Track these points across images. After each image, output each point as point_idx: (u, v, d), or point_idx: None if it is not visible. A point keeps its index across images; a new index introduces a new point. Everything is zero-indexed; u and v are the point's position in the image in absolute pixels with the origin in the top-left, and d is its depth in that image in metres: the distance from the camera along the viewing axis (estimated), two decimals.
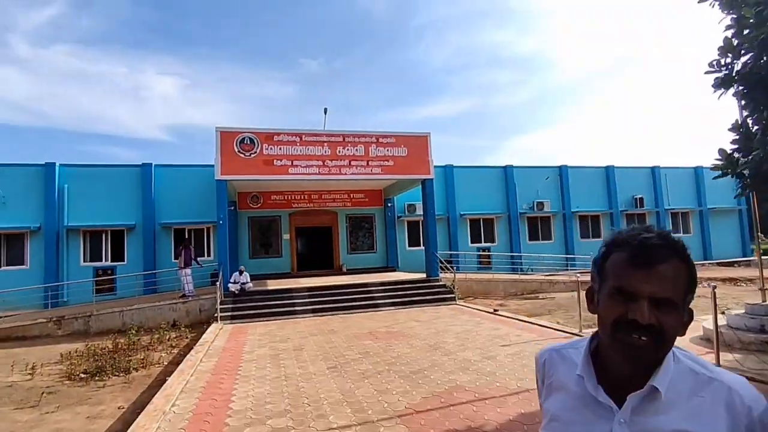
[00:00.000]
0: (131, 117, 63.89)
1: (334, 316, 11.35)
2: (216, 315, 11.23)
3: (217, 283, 11.85)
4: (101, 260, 16.32)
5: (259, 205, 17.77)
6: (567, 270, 18.44)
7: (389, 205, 19.09)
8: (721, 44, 4.75)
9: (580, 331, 7.84)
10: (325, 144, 13.61)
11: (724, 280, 16.37)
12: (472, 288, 14.75)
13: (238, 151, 12.84)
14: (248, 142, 12.92)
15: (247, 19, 79.73)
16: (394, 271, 18.01)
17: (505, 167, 21.14)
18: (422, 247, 17.71)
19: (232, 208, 16.67)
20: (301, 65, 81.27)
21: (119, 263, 16.40)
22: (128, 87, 65.30)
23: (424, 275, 14.77)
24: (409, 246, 19.52)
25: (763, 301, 6.74)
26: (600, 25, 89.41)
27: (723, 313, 9.00)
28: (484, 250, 20.13)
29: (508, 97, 79.90)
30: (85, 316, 11.50)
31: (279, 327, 10.19)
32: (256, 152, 12.97)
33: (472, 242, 20.27)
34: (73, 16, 70.90)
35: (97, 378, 7.00)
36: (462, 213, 20.08)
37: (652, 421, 0.86)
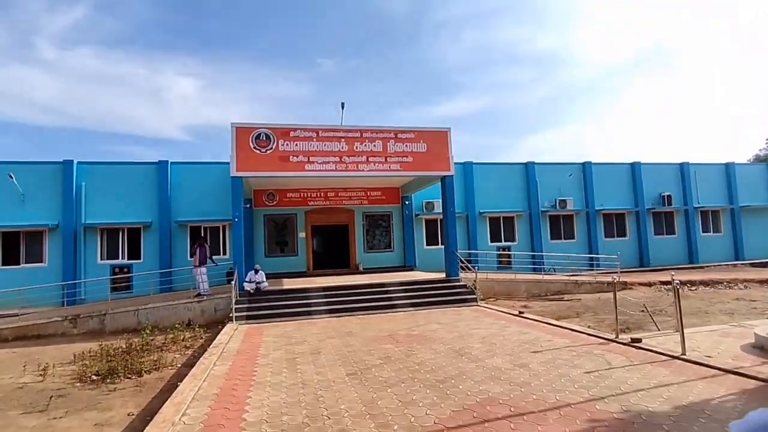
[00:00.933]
0: (152, 117, 64.70)
1: (352, 317, 10.98)
2: (231, 315, 10.97)
3: (232, 282, 11.59)
4: (118, 258, 16.27)
5: (275, 202, 17.52)
6: (591, 270, 17.76)
7: (407, 202, 18.65)
8: None
9: (617, 336, 7.30)
10: (342, 140, 13.24)
11: (761, 281, 15.52)
12: (493, 288, 14.23)
13: (254, 148, 12.55)
14: (264, 138, 12.63)
15: (264, 20, 79.98)
16: (412, 270, 17.58)
17: (526, 164, 20.50)
18: (440, 246, 17.24)
19: (248, 205, 16.45)
20: (318, 65, 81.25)
21: (135, 261, 16.33)
22: (149, 88, 66.11)
23: (443, 275, 14.31)
24: (427, 245, 19.06)
25: None
26: (620, 18, 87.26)
27: None
28: (504, 249, 19.55)
29: (526, 94, 78.55)
30: (101, 315, 11.36)
31: (295, 328, 9.86)
32: (272, 148, 12.66)
33: (491, 241, 19.70)
34: (96, 19, 72.13)
35: (108, 380, 6.75)
36: (482, 211, 19.52)
37: None
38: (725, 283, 15.31)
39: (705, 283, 15.31)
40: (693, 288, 14.80)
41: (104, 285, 15.10)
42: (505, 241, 19.88)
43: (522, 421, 4.18)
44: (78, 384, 6.74)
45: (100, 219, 16.05)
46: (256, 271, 12.48)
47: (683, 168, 22.35)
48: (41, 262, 15.72)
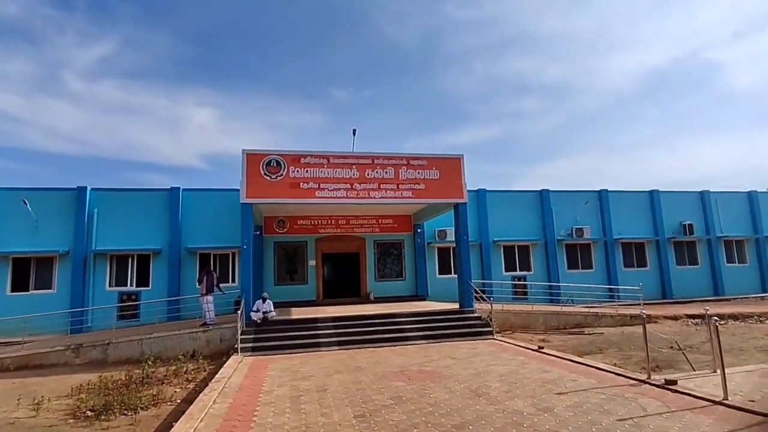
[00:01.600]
0: (170, 146, 66.15)
1: (361, 350, 10.49)
2: (237, 346, 10.57)
3: (239, 311, 11.23)
4: (126, 285, 16.09)
5: (285, 230, 17.32)
6: (612, 302, 17.01)
7: (419, 230, 18.30)
8: None
9: (649, 377, 6.71)
10: (354, 166, 13.06)
11: None
12: (509, 320, 13.62)
13: (264, 174, 12.43)
14: (275, 165, 12.51)
15: (279, 52, 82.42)
16: (424, 300, 17.05)
17: (540, 191, 20.10)
18: (453, 275, 16.73)
19: (258, 233, 16.26)
20: (331, 95, 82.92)
21: (144, 288, 16.11)
22: (168, 118, 67.91)
23: (456, 305, 13.77)
24: (440, 274, 18.56)
25: None
26: (627, 46, 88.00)
27: None
28: (519, 279, 18.95)
29: (537, 123, 78.78)
30: (104, 344, 11.04)
31: (302, 361, 9.40)
32: (282, 175, 12.53)
33: (506, 270, 19.14)
34: (121, 53, 75.09)
35: (102, 417, 6.37)
36: (496, 239, 19.05)
37: None
38: (756, 317, 14.47)
39: (734, 317, 14.49)
40: (722, 322, 13.95)
41: (111, 312, 14.85)
42: (520, 270, 19.29)
43: None
44: (71, 420, 6.37)
45: (110, 245, 15.97)
46: (264, 300, 12.12)
47: (704, 196, 21.71)
48: (50, 288, 15.60)
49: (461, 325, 12.25)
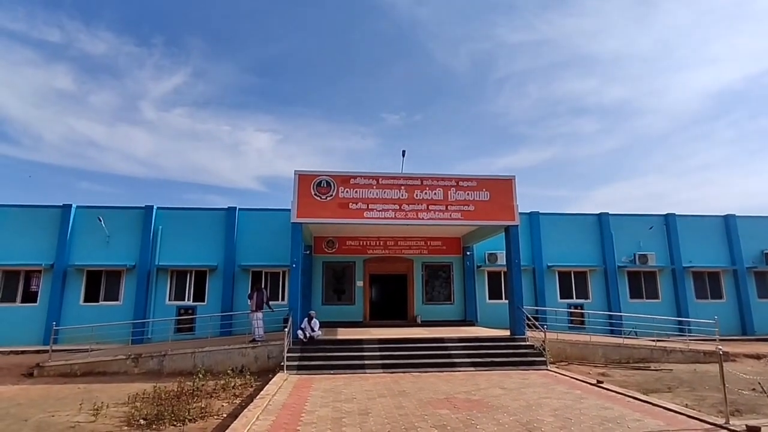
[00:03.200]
0: (231, 169, 70.03)
1: (406, 374, 10.22)
2: (283, 363, 10.67)
3: (286, 329, 11.38)
4: (184, 299, 16.88)
5: (334, 250, 17.55)
6: (681, 336, 15.57)
7: (468, 253, 17.88)
8: None
9: (727, 421, 5.98)
10: (402, 187, 13.07)
11: None
12: (564, 351, 12.81)
13: (315, 194, 12.72)
14: (325, 185, 12.79)
15: (335, 79, 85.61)
16: (473, 325, 16.48)
17: (599, 215, 19.07)
18: (504, 301, 16.09)
19: (308, 252, 16.58)
20: (383, 119, 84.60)
21: (200, 303, 16.83)
22: (230, 143, 72.11)
23: (507, 332, 13.17)
24: (490, 299, 17.94)
25: None
26: (694, 64, 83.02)
27: None
28: (576, 307, 17.89)
29: (593, 146, 75.65)
30: (160, 356, 11.55)
31: (346, 383, 9.29)
32: (332, 195, 12.76)
33: (561, 297, 18.16)
34: (191, 84, 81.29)
35: (154, 426, 6.58)
36: (550, 264, 18.20)
37: None
38: None
39: None
40: None
41: (169, 325, 15.59)
42: (576, 298, 18.23)
43: None
44: (125, 427, 6.63)
45: (171, 261, 16.91)
46: (310, 319, 12.23)
47: None
48: (117, 300, 16.67)
49: (512, 354, 11.67)
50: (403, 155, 15.69)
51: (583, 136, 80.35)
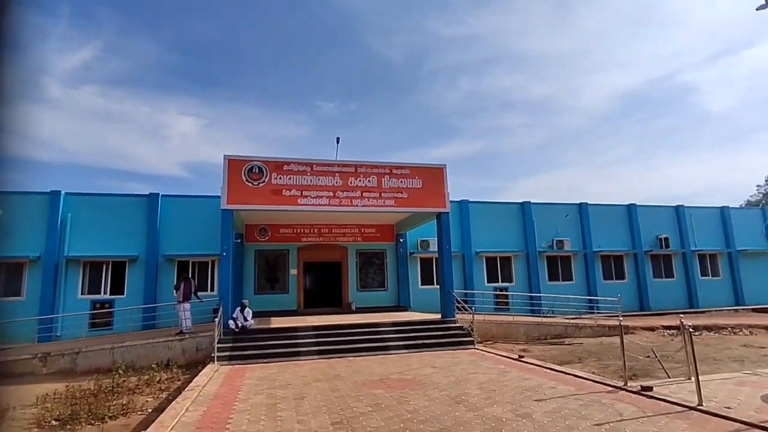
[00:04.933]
0: (151, 154, 65.11)
1: (342, 359, 10.34)
2: (213, 355, 10.30)
3: (216, 319, 10.98)
4: (100, 293, 15.59)
5: (266, 238, 17.10)
6: (591, 313, 17.21)
7: (401, 240, 18.28)
8: None
9: (625, 384, 6.77)
10: (337, 174, 13.03)
11: (765, 327, 15.02)
12: (491, 331, 13.64)
13: (246, 180, 12.30)
14: (257, 171, 12.40)
15: (266, 64, 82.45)
16: (406, 310, 16.96)
17: (522, 204, 20.34)
18: (436, 286, 16.72)
19: (239, 240, 16.02)
20: (317, 107, 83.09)
21: (118, 296, 15.63)
22: (150, 126, 66.94)
23: (438, 316, 13.73)
24: (422, 284, 18.51)
25: None
26: (607, 67, 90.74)
27: None
28: (501, 290, 19.03)
29: (519, 140, 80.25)
30: (73, 353, 10.64)
31: (280, 370, 9.20)
32: (264, 181, 12.42)
33: (488, 281, 19.21)
34: (103, 59, 74.04)
35: (68, 426, 6.10)
36: (478, 250, 19.15)
37: None
38: (730, 329, 14.80)
39: (709, 329, 14.78)
40: (697, 333, 14.21)
41: (82, 321, 14.36)
42: (502, 281, 19.39)
43: None
44: (35, 430, 6.09)
45: (83, 251, 15.50)
46: (243, 308, 11.90)
47: (679, 211, 22.28)
48: (19, 295, 15.00)
49: (443, 335, 12.21)
50: (338, 142, 15.64)
51: (509, 130, 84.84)
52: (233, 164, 12.33)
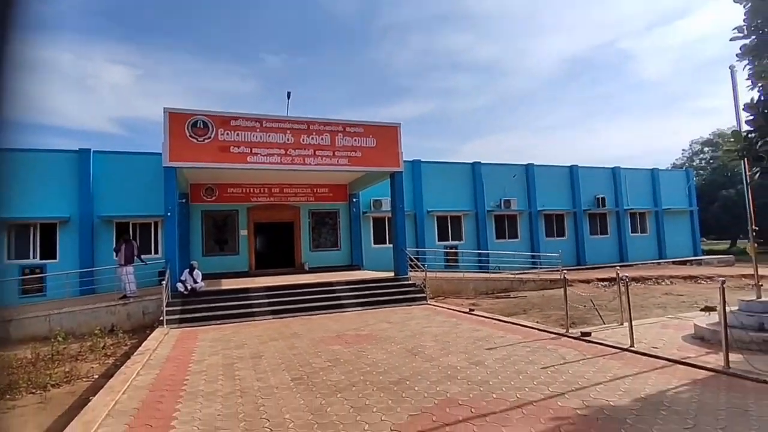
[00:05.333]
0: (76, 107, 59.33)
1: (297, 318, 10.35)
2: (162, 318, 9.95)
3: (164, 282, 10.54)
4: (29, 257, 14.42)
5: (214, 198, 16.38)
6: (535, 268, 18.25)
7: (354, 200, 18.20)
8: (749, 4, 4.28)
9: (567, 331, 7.30)
10: (288, 131, 12.55)
11: (684, 278, 16.67)
12: (442, 287, 14.14)
13: (190, 136, 11.55)
14: (201, 126, 11.66)
15: (207, 11, 76.24)
16: (359, 269, 17.15)
17: (473, 164, 20.76)
18: (388, 245, 16.96)
19: (184, 200, 15.24)
20: (262, 60, 78.63)
21: (50, 261, 14.55)
22: (74, 75, 60.60)
23: (392, 274, 14.00)
24: (375, 243, 18.71)
25: (758, 298, 6.41)
26: (554, 31, 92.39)
27: (704, 310, 8.78)
28: (451, 248, 19.64)
29: (470, 101, 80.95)
30: (4, 322, 9.86)
31: (234, 331, 9.08)
32: (210, 137, 11.72)
33: (439, 240, 19.74)
34: None
35: (8, 397, 5.71)
36: (430, 210, 19.50)
37: None
38: (653, 280, 16.28)
39: (636, 280, 16.15)
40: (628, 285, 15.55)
41: (11, 287, 13.27)
42: (452, 240, 19.99)
43: (485, 423, 3.88)
44: None
45: (6, 213, 14.12)
46: (192, 270, 11.49)
47: (615, 172, 23.72)
48: None
49: (397, 292, 12.50)
50: (288, 97, 14.96)
51: (460, 91, 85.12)
52: (175, 118, 11.50)
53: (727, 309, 5.36)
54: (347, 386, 5.09)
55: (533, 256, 19.28)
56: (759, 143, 4.54)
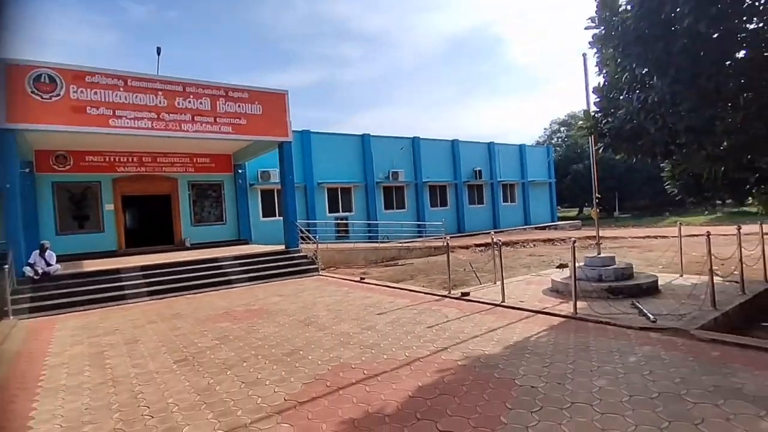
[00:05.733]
0: None
1: (179, 298, 9.60)
2: (6, 308, 8.44)
3: (6, 266, 8.89)
4: None
5: (68, 167, 14.10)
6: (420, 237, 19.36)
7: (240, 171, 17.19)
8: None
9: (449, 292, 7.93)
10: (160, 93, 11.23)
11: (544, 240, 19.14)
12: (333, 258, 14.27)
13: (33, 92, 9.69)
14: (47, 81, 9.84)
15: None
16: (248, 243, 16.43)
17: (362, 135, 20.95)
18: (278, 218, 16.51)
19: (27, 170, 12.88)
20: (125, 9, 68.41)
21: None
22: None
23: (282, 247, 13.68)
24: (264, 216, 18.05)
25: (598, 255, 7.64)
26: (441, 7, 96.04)
27: (559, 267, 10.20)
28: (342, 219, 19.83)
29: (358, 71, 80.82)
30: None
31: (103, 317, 8.11)
32: (59, 95, 9.97)
33: (330, 211, 19.77)
34: None
35: None
36: (320, 182, 19.32)
37: None
38: (520, 243, 18.41)
39: (507, 244, 18.09)
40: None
41: None
42: (342, 211, 20.16)
43: (377, 382, 4.07)
44: None
45: None
46: (43, 251, 9.88)
47: (490, 147, 25.96)
48: None
49: (288, 265, 12.28)
50: (158, 53, 13.34)
51: (347, 61, 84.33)
52: (13, 71, 9.50)
53: (576, 265, 6.32)
54: (237, 363, 4.91)
55: (419, 225, 20.42)
56: (603, 122, 5.31)
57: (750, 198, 7.39)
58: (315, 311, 7.38)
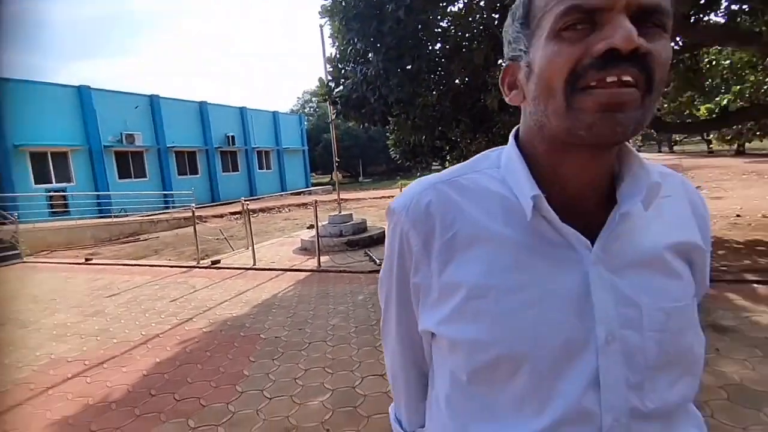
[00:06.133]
0: None
1: None
2: None
3: None
4: None
5: None
6: (167, 208, 17.43)
7: None
8: None
9: (198, 263, 7.49)
10: None
11: (299, 205, 20.08)
12: (46, 240, 11.45)
13: None
14: None
15: None
16: None
17: (79, 87, 17.01)
18: None
19: None
20: None
21: None
22: None
23: None
24: None
25: (339, 213, 8.51)
26: None
27: (309, 228, 10.92)
28: (57, 192, 15.94)
29: (71, 9, 64.38)
30: None
31: None
32: None
33: (37, 183, 15.58)
34: None
35: None
36: (17, 144, 14.89)
37: (630, 244, 0.56)
38: (276, 209, 18.82)
39: (263, 210, 18.24)
40: (255, 215, 17.27)
41: None
42: (57, 182, 16.18)
43: (101, 371, 3.55)
44: None
45: None
46: None
47: (243, 112, 25.11)
48: None
49: None
50: None
51: None
52: None
53: (321, 224, 6.92)
54: None
55: (165, 195, 18.33)
56: (335, 90, 5.83)
57: (447, 163, 9.47)
58: (15, 306, 5.81)
